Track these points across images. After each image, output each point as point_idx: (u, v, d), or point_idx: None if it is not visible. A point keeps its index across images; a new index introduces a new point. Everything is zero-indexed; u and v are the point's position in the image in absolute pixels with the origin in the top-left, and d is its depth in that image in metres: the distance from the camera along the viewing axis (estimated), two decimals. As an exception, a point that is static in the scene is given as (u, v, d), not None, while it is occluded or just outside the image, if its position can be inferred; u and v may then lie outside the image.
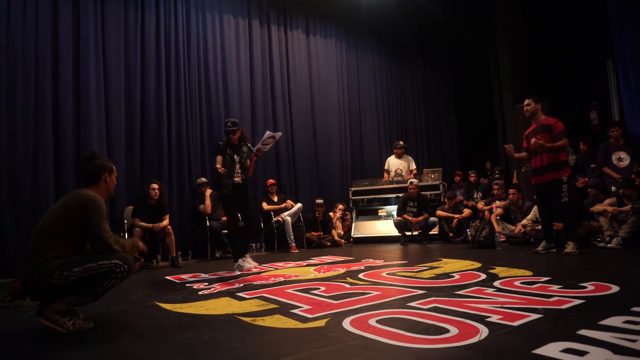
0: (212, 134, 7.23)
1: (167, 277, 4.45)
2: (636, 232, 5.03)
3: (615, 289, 2.73)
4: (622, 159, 6.40)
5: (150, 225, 5.45)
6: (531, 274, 3.47)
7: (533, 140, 4.77)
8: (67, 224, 2.45)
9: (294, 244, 6.84)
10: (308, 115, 8.76)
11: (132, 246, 2.63)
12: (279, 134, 4.94)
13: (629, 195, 5.31)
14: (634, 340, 1.72)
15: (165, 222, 5.57)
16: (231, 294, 3.27)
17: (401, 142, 8.38)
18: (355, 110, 9.76)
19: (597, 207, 5.61)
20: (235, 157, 4.71)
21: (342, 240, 7.65)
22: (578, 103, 9.31)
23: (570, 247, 4.64)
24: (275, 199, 7.30)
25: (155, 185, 5.63)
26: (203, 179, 6.65)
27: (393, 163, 8.23)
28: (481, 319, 2.15)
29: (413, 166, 8.20)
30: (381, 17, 9.74)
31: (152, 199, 5.58)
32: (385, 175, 8.20)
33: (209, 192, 6.51)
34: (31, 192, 5.35)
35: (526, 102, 5.05)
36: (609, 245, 5.12)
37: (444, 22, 10.18)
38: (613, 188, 5.98)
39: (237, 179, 4.67)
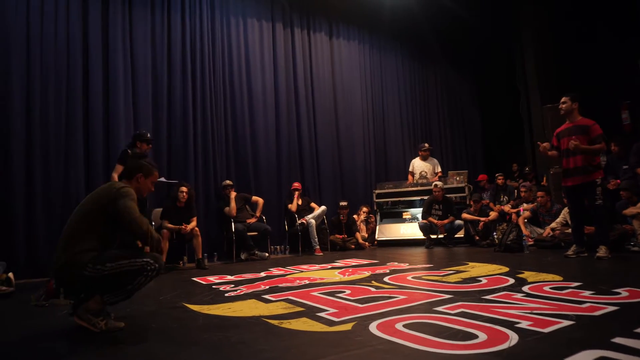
0: (237, 136, 7.33)
1: (194, 279, 4.52)
2: (672, 236, 4.86)
3: (651, 295, 2.64)
4: (656, 160, 6.18)
5: (178, 227, 5.55)
6: (561, 278, 3.39)
7: (571, 143, 4.60)
8: (97, 215, 2.49)
9: (318, 247, 6.86)
10: (331, 117, 8.78)
11: (159, 239, 2.59)
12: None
13: (664, 198, 5.13)
14: (672, 350, 1.67)
15: (193, 224, 5.66)
16: (257, 296, 3.30)
17: (426, 144, 8.31)
18: (378, 112, 9.73)
19: (631, 210, 5.43)
20: None
21: (366, 243, 7.63)
22: (608, 103, 9.04)
23: (602, 251, 4.52)
24: (300, 201, 7.33)
25: (184, 189, 5.73)
26: (228, 182, 6.73)
27: (418, 165, 8.17)
28: (510, 325, 2.11)
29: (438, 169, 8.13)
30: (404, 19, 9.70)
31: (180, 201, 5.68)
32: (410, 177, 8.15)
33: (234, 194, 6.59)
34: (62, 194, 5.51)
35: (562, 99, 4.92)
36: (643, 249, 4.96)
37: (467, 24, 10.06)
38: (647, 190, 5.79)
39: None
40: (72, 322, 2.48)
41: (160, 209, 5.86)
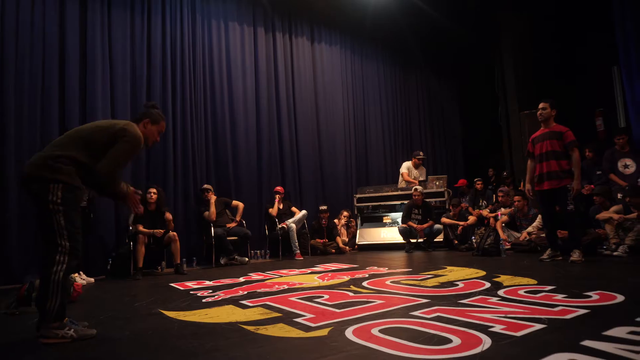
0: (217, 140, 7.27)
1: (172, 284, 4.46)
2: (643, 240, 4.99)
3: (620, 298, 2.71)
4: (628, 165, 6.37)
5: (152, 231, 5.47)
6: (536, 282, 3.45)
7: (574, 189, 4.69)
8: (103, 135, 2.48)
9: (298, 251, 6.85)
10: (313, 121, 8.80)
11: (127, 193, 2.56)
12: None
13: (636, 203, 5.26)
14: (638, 352, 1.71)
15: (169, 216, 5.60)
16: (235, 301, 3.27)
17: (421, 153, 8.36)
18: (360, 117, 9.78)
19: (603, 215, 5.57)
20: None
21: (347, 248, 7.64)
22: (584, 110, 9.27)
23: (575, 256, 4.62)
24: (281, 206, 7.30)
25: (152, 190, 5.66)
26: (207, 185, 6.68)
27: (412, 170, 8.18)
28: (484, 329, 2.14)
29: (423, 177, 8.19)
30: (386, 24, 9.79)
31: (150, 204, 5.60)
32: (407, 177, 8.09)
33: (213, 198, 6.53)
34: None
35: (542, 105, 4.99)
36: (615, 253, 5.09)
37: (448, 31, 10.21)
38: (619, 195, 5.94)
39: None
40: (32, 329, 2.41)
41: (133, 215, 5.76)
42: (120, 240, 5.93)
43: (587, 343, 1.84)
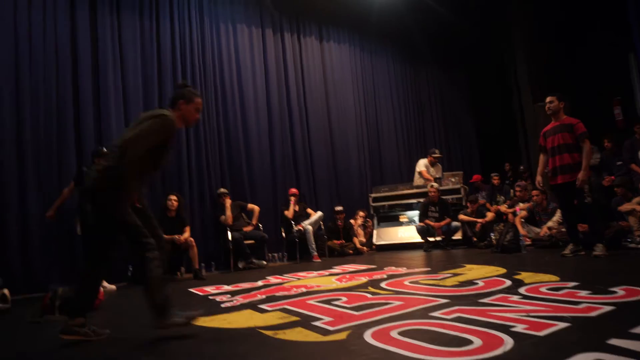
0: (230, 144, 7.31)
1: (191, 290, 4.49)
2: (668, 231, 4.86)
3: (647, 293, 2.63)
4: (649, 155, 6.21)
5: (172, 237, 5.52)
6: (558, 279, 3.37)
7: (578, 180, 4.61)
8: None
9: (315, 253, 6.84)
10: (324, 121, 8.78)
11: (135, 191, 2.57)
12: None
13: (659, 193, 5.14)
14: (667, 350, 1.66)
15: (187, 234, 5.64)
16: (253, 306, 3.27)
17: (437, 151, 8.28)
18: (371, 114, 9.74)
19: (626, 206, 5.44)
20: None
21: (365, 248, 7.61)
22: (600, 99, 9.08)
23: (599, 250, 4.51)
24: (296, 208, 7.30)
25: (173, 197, 5.72)
26: (223, 190, 6.71)
27: (429, 168, 8.10)
28: (506, 329, 2.09)
29: (439, 175, 8.11)
30: (394, 21, 9.72)
31: (170, 210, 5.66)
32: (426, 174, 8.04)
33: (229, 202, 6.57)
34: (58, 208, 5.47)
35: (549, 99, 4.92)
36: (640, 245, 4.97)
37: (457, 24, 10.09)
38: (641, 186, 5.81)
39: None
40: (63, 339, 2.45)
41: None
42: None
43: (613, 342, 1.78)
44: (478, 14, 10.07)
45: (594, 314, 2.28)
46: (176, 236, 5.55)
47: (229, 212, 6.47)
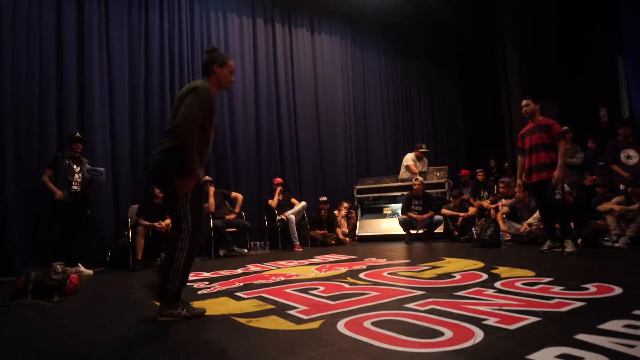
0: (216, 131, 7.20)
1: (169, 276, 4.44)
2: (644, 231, 4.94)
3: (618, 290, 2.67)
4: (631, 156, 6.28)
5: (153, 224, 5.47)
6: (534, 274, 3.41)
7: (554, 179, 4.64)
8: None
9: (297, 243, 6.83)
10: (313, 112, 8.74)
11: (195, 173, 2.52)
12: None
13: (638, 193, 5.21)
14: (632, 346, 1.68)
15: (168, 220, 5.57)
16: (230, 293, 3.26)
17: (424, 146, 8.28)
18: (360, 107, 9.71)
19: (605, 206, 5.51)
20: (76, 167, 5.13)
21: (347, 239, 7.62)
22: (587, 100, 9.18)
23: (570, 246, 4.59)
24: (281, 197, 7.27)
25: None
26: (207, 177, 6.64)
27: (415, 162, 8.10)
28: (478, 322, 2.11)
29: (425, 169, 8.12)
30: (386, 13, 9.68)
31: (157, 197, 5.60)
32: (414, 167, 8.04)
33: (212, 190, 6.51)
34: (34, 191, 5.34)
35: (524, 102, 5.00)
36: (616, 244, 5.05)
37: (450, 20, 10.09)
38: (621, 186, 5.88)
39: (75, 187, 5.10)
40: (30, 323, 2.41)
41: (137, 206, 5.76)
42: (119, 232, 5.93)
43: (581, 337, 1.81)
44: (472, 10, 10.08)
45: (564, 309, 2.30)
46: (157, 223, 5.49)
47: (212, 200, 6.41)
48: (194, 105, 2.46)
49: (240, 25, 7.81)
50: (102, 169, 5.28)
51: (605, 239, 5.33)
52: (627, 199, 5.37)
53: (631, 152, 6.30)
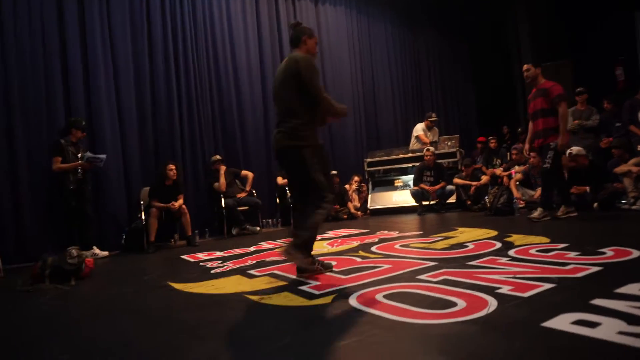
0: (224, 111, 7.19)
1: (183, 257, 4.50)
2: (663, 192, 4.82)
3: (636, 253, 2.61)
4: (648, 116, 6.11)
5: (167, 205, 5.50)
6: (548, 240, 3.36)
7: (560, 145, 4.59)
8: (294, 88, 2.75)
9: (310, 218, 6.82)
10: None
11: (342, 109, 2.97)
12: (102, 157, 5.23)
13: (656, 154, 5.07)
14: (650, 309, 1.64)
15: (180, 201, 5.61)
16: (243, 271, 3.27)
17: (434, 114, 8.13)
18: (368, 79, 9.56)
19: (622, 168, 5.38)
20: (78, 154, 5.12)
21: (359, 213, 7.61)
22: (603, 60, 8.88)
23: (536, 213, 4.68)
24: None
25: (172, 166, 5.67)
26: (217, 157, 6.64)
27: (426, 132, 7.98)
28: (491, 291, 2.08)
29: (436, 138, 8.00)
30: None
31: (169, 179, 5.61)
32: (424, 137, 7.93)
33: (223, 169, 6.51)
34: (47, 178, 5.37)
35: (525, 67, 4.90)
36: (634, 207, 4.95)
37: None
38: (639, 147, 5.74)
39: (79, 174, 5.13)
40: (50, 307, 2.45)
41: (148, 188, 5.78)
42: (132, 214, 5.98)
43: (597, 302, 1.77)
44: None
45: (580, 274, 2.26)
46: (170, 204, 5.51)
47: (222, 179, 6.41)
48: (314, 80, 2.74)
49: (242, 1, 7.64)
50: (104, 155, 5.26)
51: (623, 202, 5.22)
52: (644, 160, 5.24)
53: (649, 112, 6.12)
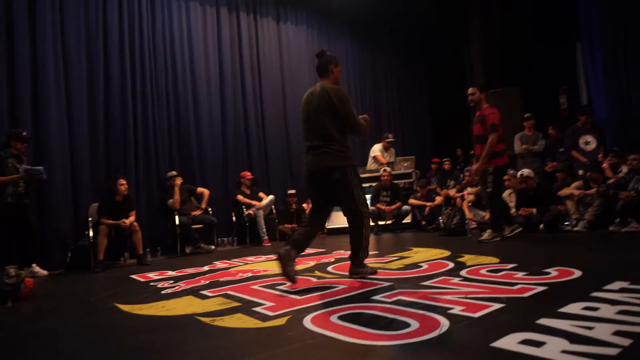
0: (180, 126, 7.04)
1: (133, 276, 4.32)
2: (601, 215, 5.10)
3: (577, 273, 2.74)
4: (589, 142, 6.50)
5: (117, 222, 5.28)
6: (498, 260, 3.47)
7: (472, 175, 4.91)
8: (329, 117, 3.12)
9: (266, 237, 6.75)
10: (279, 104, 8.62)
11: (369, 123, 3.42)
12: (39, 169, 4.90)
13: (595, 178, 5.38)
14: (590, 328, 1.71)
15: (132, 218, 5.41)
16: (195, 292, 3.17)
17: (391, 135, 8.28)
18: (327, 99, 9.63)
19: (564, 191, 5.68)
20: (19, 166, 4.86)
21: (317, 231, 7.57)
22: (549, 88, 9.40)
23: (486, 234, 4.83)
24: (249, 192, 7.16)
25: (123, 181, 5.48)
26: (173, 172, 6.46)
27: (383, 152, 8.11)
28: (443, 311, 2.11)
29: (392, 159, 8.15)
30: (353, 4, 9.60)
31: (119, 195, 5.41)
32: (381, 158, 8.05)
33: (178, 185, 6.34)
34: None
35: (470, 90, 4.96)
36: (576, 228, 5.20)
37: (417, 11, 10.13)
38: (580, 172, 6.07)
39: (20, 188, 4.81)
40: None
41: (96, 204, 5.55)
42: (80, 231, 5.70)
43: (542, 321, 1.83)
44: (436, 3, 10.15)
45: (527, 294, 2.34)
46: (121, 221, 5.29)
47: (177, 196, 6.25)
48: (349, 109, 3.16)
49: (203, 14, 7.58)
50: (40, 167, 4.94)
51: (566, 223, 5.49)
52: (585, 183, 5.55)
53: (589, 138, 6.52)
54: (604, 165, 5.80)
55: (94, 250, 5.17)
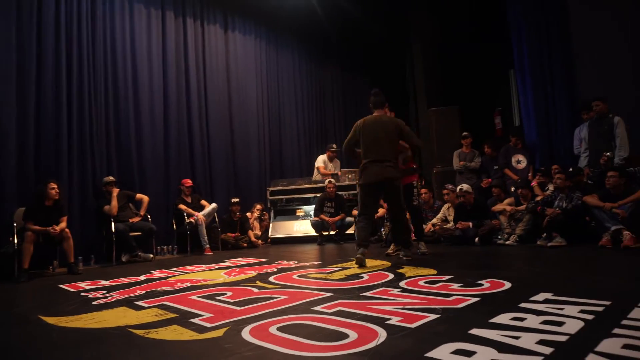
0: (120, 130, 6.76)
1: (62, 286, 4.06)
2: (530, 229, 5.43)
3: (507, 285, 2.88)
4: (520, 161, 6.92)
5: (46, 228, 4.95)
6: (435, 272, 3.58)
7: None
8: (395, 140, 4.50)
9: (207, 246, 6.59)
10: (225, 112, 8.51)
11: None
12: None
13: (525, 195, 5.72)
14: (517, 337, 1.80)
15: (63, 224, 5.10)
16: (129, 302, 3.03)
17: (334, 145, 8.36)
18: (274, 109, 9.66)
19: (497, 207, 5.99)
20: None
21: (260, 241, 7.52)
22: (485, 109, 9.94)
23: (423, 247, 4.87)
24: (189, 200, 6.98)
25: (54, 185, 5.16)
26: (110, 178, 6.18)
27: (328, 164, 8.17)
28: (382, 322, 2.15)
29: (337, 170, 8.25)
30: (301, 16, 9.70)
31: (49, 199, 5.09)
32: (323, 170, 8.08)
33: (116, 191, 6.08)
34: None
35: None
36: (507, 242, 5.49)
37: (363, 26, 10.39)
38: (512, 188, 6.43)
39: None
40: None
41: (23, 209, 5.18)
42: (3, 238, 5.29)
43: (474, 331, 1.91)
44: (384, 17, 10.48)
45: (461, 305, 2.43)
46: (51, 228, 4.96)
47: (114, 202, 5.98)
48: (411, 132, 4.64)
49: (147, 17, 7.36)
50: None
51: (499, 237, 5.78)
52: (516, 200, 5.88)
53: (520, 157, 6.94)
54: (533, 183, 6.18)
55: (19, 258, 4.81)
